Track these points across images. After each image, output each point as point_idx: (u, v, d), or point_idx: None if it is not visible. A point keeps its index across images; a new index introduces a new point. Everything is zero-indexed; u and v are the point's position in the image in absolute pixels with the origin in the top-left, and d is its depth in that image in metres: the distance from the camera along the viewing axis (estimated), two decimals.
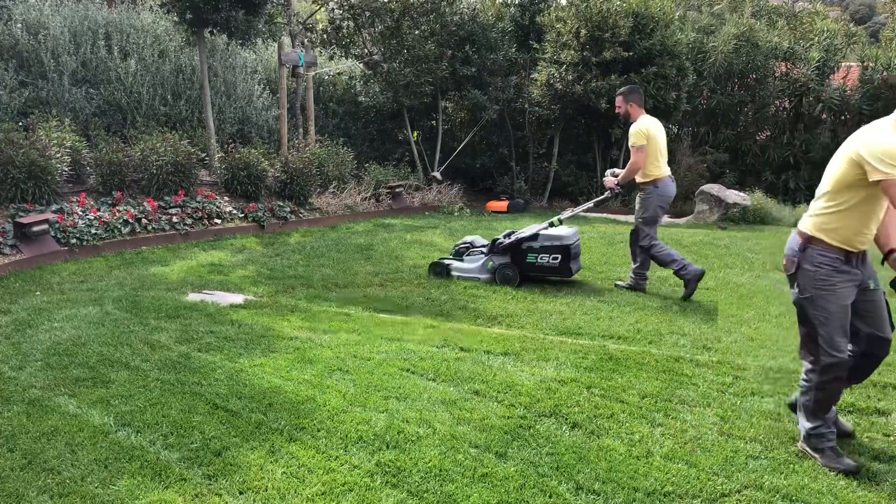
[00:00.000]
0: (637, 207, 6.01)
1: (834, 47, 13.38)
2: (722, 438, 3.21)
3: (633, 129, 5.83)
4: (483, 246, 6.53)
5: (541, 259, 6.12)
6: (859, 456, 3.06)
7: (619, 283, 6.22)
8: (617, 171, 6.16)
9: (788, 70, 13.45)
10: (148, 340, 4.41)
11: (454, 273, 6.46)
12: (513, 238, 6.24)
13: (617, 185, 6.08)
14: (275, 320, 4.92)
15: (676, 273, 5.85)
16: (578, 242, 6.29)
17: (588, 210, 7.30)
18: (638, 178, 5.91)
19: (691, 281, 5.77)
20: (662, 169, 5.89)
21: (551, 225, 6.26)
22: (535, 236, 6.15)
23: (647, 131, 5.77)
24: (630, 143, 5.84)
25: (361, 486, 2.77)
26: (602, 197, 6.54)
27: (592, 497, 2.74)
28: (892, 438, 3.24)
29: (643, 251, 5.96)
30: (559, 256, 6.06)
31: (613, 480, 2.83)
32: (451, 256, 6.70)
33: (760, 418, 3.42)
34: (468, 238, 6.79)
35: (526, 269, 6.21)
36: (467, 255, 6.54)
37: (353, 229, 9.16)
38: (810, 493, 2.77)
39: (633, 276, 6.11)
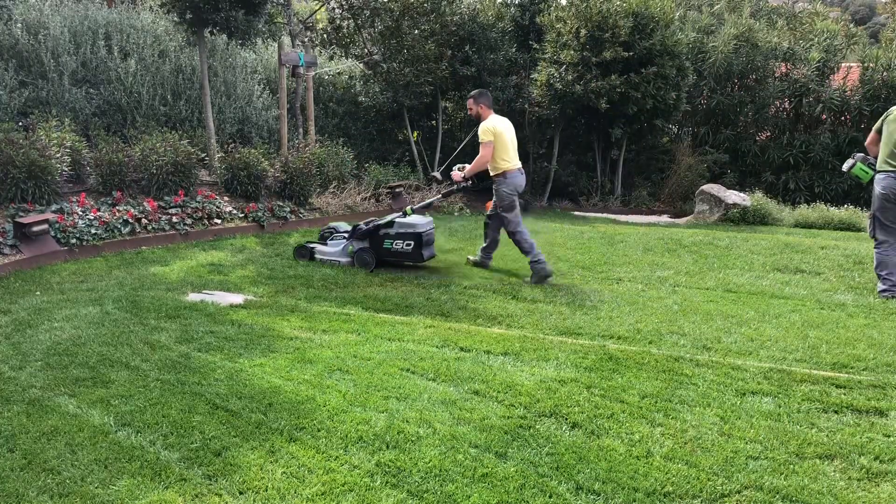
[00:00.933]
0: (495, 198, 6.60)
1: (834, 48, 13.38)
2: (722, 438, 3.21)
3: (481, 128, 6.41)
4: (346, 231, 6.99)
5: (395, 245, 6.60)
6: (859, 456, 3.07)
7: (470, 257, 6.98)
8: (465, 166, 6.76)
9: (788, 70, 13.46)
10: (148, 340, 4.41)
11: (317, 256, 6.93)
12: (371, 224, 6.71)
13: (464, 178, 6.69)
14: (275, 320, 4.92)
15: (530, 263, 6.37)
16: (432, 231, 6.77)
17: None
18: (491, 172, 6.52)
19: (539, 276, 6.29)
20: (511, 162, 6.48)
21: (404, 214, 6.74)
22: (391, 223, 6.63)
23: (494, 129, 6.36)
24: (479, 140, 6.42)
25: (361, 486, 2.77)
26: (449, 189, 7.07)
27: (592, 497, 2.74)
28: (892, 439, 3.24)
29: (510, 236, 6.54)
30: (412, 243, 6.55)
31: (613, 480, 2.83)
32: (316, 241, 7.16)
33: (760, 418, 3.42)
34: (333, 224, 7.31)
35: (382, 254, 6.68)
36: (330, 240, 7.01)
37: None
38: (810, 493, 2.77)
39: (480, 253, 6.86)
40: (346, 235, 6.93)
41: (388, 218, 6.71)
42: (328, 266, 6.75)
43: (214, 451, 3.01)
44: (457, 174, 6.75)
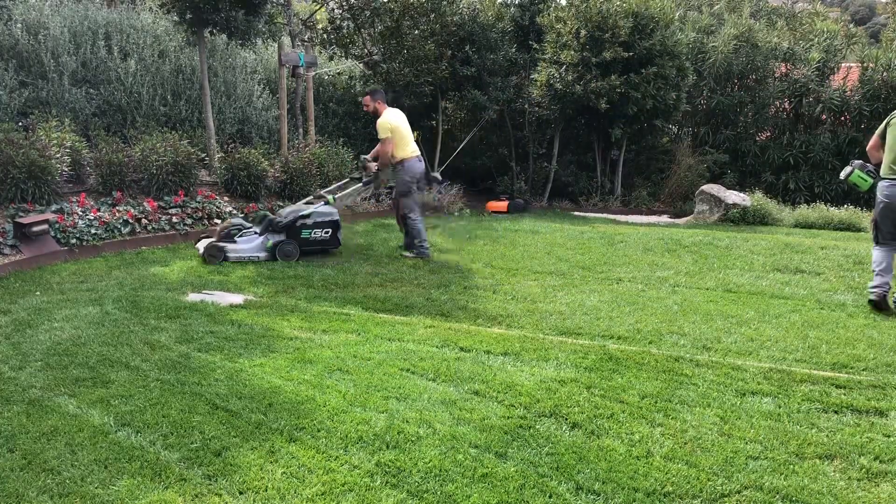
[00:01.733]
0: (394, 184, 7.27)
1: (834, 48, 13.38)
2: (722, 438, 3.21)
3: (379, 124, 6.96)
4: (251, 227, 7.13)
5: (314, 233, 6.94)
6: (859, 456, 3.07)
7: (406, 253, 7.27)
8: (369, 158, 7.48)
9: (788, 71, 13.46)
10: (148, 340, 4.41)
11: (231, 255, 6.81)
12: (288, 216, 6.95)
13: (378, 169, 7.29)
14: (274, 320, 4.92)
15: (417, 246, 7.13)
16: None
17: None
18: (392, 161, 7.18)
19: (419, 256, 7.09)
20: (408, 151, 7.09)
21: (327, 203, 7.16)
22: (308, 214, 6.95)
23: (391, 123, 6.94)
24: (379, 136, 6.98)
25: (361, 486, 2.77)
26: (367, 179, 7.55)
27: (592, 497, 2.74)
28: (891, 438, 3.24)
29: (403, 219, 7.21)
30: (330, 230, 6.98)
31: (613, 480, 2.83)
32: (219, 240, 6.96)
33: (760, 418, 3.42)
34: (234, 220, 7.30)
35: (302, 243, 6.94)
36: (240, 237, 6.98)
37: (352, 229, 9.15)
38: (810, 493, 2.77)
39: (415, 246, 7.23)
40: (256, 231, 7.01)
41: (307, 209, 7.04)
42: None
43: (214, 451, 3.01)
44: (372, 165, 7.31)
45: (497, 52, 12.47)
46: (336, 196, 7.29)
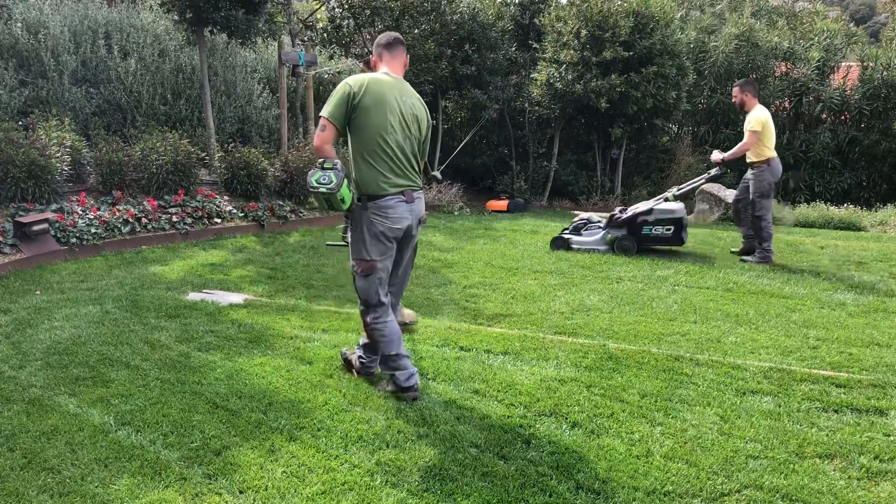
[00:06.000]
0: (754, 183, 7.20)
1: (834, 47, 13.38)
2: (722, 438, 3.21)
3: (753, 117, 6.94)
4: (599, 222, 7.75)
5: (654, 230, 7.27)
6: (859, 455, 3.07)
7: (746, 258, 7.22)
8: None
9: (788, 70, 13.46)
10: (148, 340, 4.41)
11: (574, 245, 7.64)
12: (629, 213, 7.39)
13: (724, 160, 7.31)
14: (274, 319, 4.92)
15: (763, 249, 7.06)
16: (686, 216, 7.40)
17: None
18: None
19: (762, 261, 7.02)
20: (774, 151, 7.08)
21: (665, 200, 7.39)
22: (649, 211, 7.28)
23: (763, 119, 6.88)
24: (750, 128, 6.94)
25: (361, 485, 2.77)
26: (716, 172, 7.54)
27: (592, 496, 2.74)
28: (892, 438, 3.24)
29: (754, 221, 7.11)
30: (672, 227, 7.19)
31: (613, 480, 2.83)
32: (568, 231, 7.80)
33: (760, 418, 3.42)
34: (584, 215, 8.09)
35: (642, 240, 7.35)
36: (585, 230, 7.71)
37: None
38: (810, 492, 2.77)
39: None
40: (601, 225, 7.66)
41: (647, 205, 7.37)
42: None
43: (214, 450, 3.01)
44: (717, 156, 7.40)
45: (497, 51, 12.47)
46: (675, 193, 7.49)
